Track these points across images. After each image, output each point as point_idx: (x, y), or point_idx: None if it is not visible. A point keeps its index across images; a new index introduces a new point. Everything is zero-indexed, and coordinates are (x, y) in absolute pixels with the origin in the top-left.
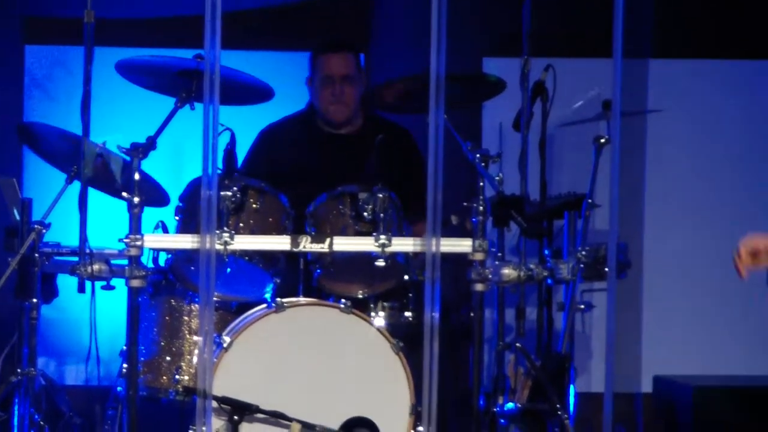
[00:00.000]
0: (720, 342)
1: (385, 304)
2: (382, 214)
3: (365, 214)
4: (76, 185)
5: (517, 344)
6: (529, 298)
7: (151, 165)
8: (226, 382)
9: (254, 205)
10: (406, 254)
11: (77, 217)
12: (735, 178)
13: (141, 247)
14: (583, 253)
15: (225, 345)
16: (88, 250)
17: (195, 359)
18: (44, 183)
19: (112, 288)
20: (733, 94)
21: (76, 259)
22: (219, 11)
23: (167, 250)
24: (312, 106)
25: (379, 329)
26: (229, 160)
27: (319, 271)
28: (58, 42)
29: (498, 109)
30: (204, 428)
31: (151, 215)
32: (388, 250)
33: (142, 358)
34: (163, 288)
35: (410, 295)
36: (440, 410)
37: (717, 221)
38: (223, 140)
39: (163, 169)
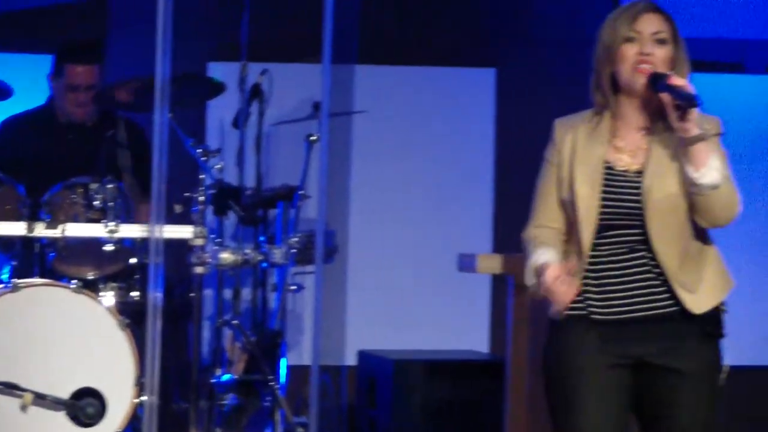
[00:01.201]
0: (417, 320)
1: (114, 284)
2: (111, 203)
3: (96, 203)
4: None
5: (234, 321)
6: (246, 280)
7: None
8: None
9: None
10: (133, 239)
11: None
12: (431, 174)
13: None
14: (295, 239)
15: None
16: None
17: None
18: None
19: None
20: (431, 98)
21: None
22: None
23: None
24: (53, 101)
25: (107, 308)
26: None
27: (53, 254)
28: None
29: (220, 109)
30: None
31: None
32: (116, 235)
33: None
34: None
35: (137, 276)
36: (163, 381)
37: (414, 213)
38: None
39: None
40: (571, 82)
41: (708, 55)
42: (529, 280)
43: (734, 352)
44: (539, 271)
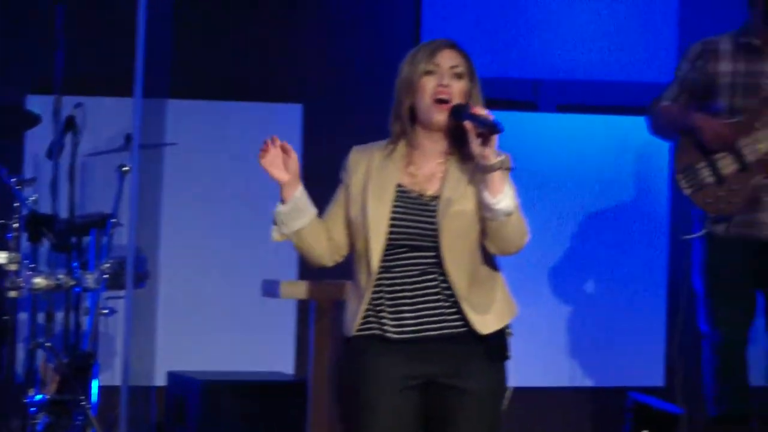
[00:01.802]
0: (225, 343)
1: None
2: None
3: None
4: None
5: (48, 344)
6: (59, 304)
7: None
8: None
9: None
10: None
11: None
12: (240, 204)
13: None
14: (107, 265)
15: None
16: None
17: None
18: None
19: None
20: (240, 131)
21: None
22: None
23: None
24: None
25: None
26: None
27: None
28: None
29: (37, 140)
30: None
31: None
32: None
33: None
34: None
35: None
36: None
37: (224, 241)
38: None
39: None
40: (375, 117)
41: (503, 94)
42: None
43: (524, 374)
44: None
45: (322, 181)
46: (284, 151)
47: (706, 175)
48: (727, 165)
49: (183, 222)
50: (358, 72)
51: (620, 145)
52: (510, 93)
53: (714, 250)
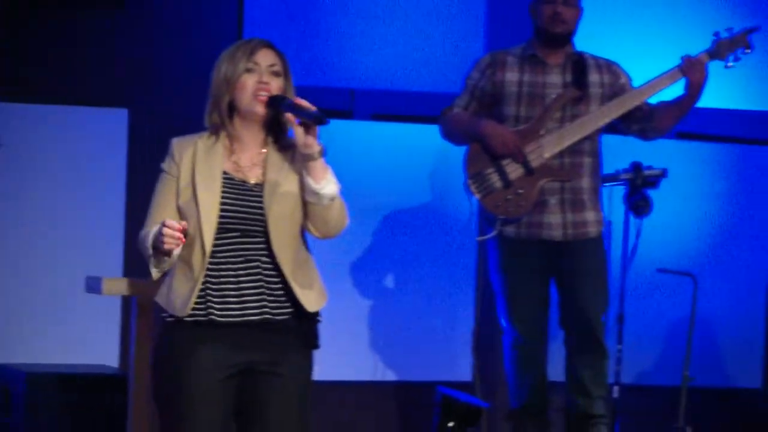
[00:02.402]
0: (51, 336)
1: None
2: None
3: None
4: None
5: None
6: None
7: None
8: None
9: None
10: None
11: None
12: (68, 206)
13: None
14: None
15: None
16: None
17: None
18: None
19: None
20: (66, 135)
21: None
22: None
23: None
24: None
25: None
26: None
27: None
28: None
29: None
30: None
31: None
32: None
33: None
34: None
35: None
36: None
37: (53, 240)
38: None
39: None
40: (202, 121)
41: (320, 102)
42: (147, 251)
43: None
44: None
45: (148, 186)
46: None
47: (495, 180)
48: (514, 170)
49: (9, 220)
50: (182, 76)
51: (431, 151)
52: (327, 102)
53: (505, 250)
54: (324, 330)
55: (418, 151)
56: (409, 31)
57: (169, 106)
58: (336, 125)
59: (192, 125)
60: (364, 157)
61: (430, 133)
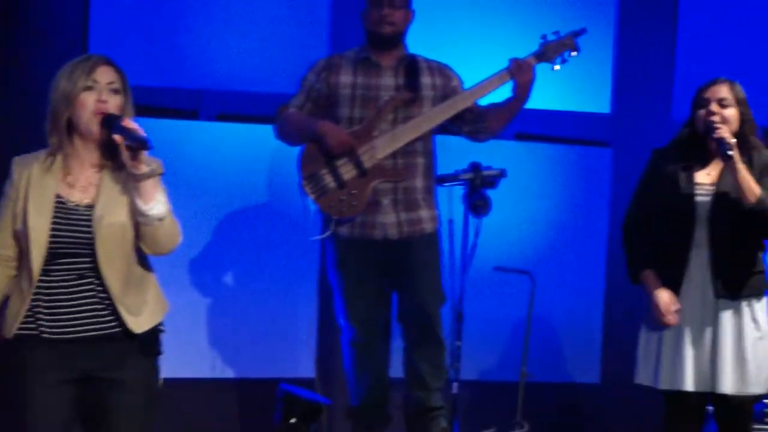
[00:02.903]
0: None
1: None
2: None
3: None
4: None
5: None
6: None
7: None
8: None
9: None
10: None
11: None
12: None
13: None
14: None
15: None
16: None
17: None
18: None
19: None
20: None
21: None
22: None
23: None
24: None
25: None
26: None
27: None
28: None
29: None
30: None
31: None
32: None
33: None
34: None
35: None
36: None
37: None
38: None
39: None
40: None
41: (167, 103)
42: None
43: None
44: None
45: None
46: None
47: (329, 180)
48: (347, 171)
49: None
50: (26, 83)
51: (276, 150)
52: (173, 102)
53: (340, 250)
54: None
55: (263, 150)
56: (255, 33)
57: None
58: (182, 125)
59: (35, 137)
60: (209, 157)
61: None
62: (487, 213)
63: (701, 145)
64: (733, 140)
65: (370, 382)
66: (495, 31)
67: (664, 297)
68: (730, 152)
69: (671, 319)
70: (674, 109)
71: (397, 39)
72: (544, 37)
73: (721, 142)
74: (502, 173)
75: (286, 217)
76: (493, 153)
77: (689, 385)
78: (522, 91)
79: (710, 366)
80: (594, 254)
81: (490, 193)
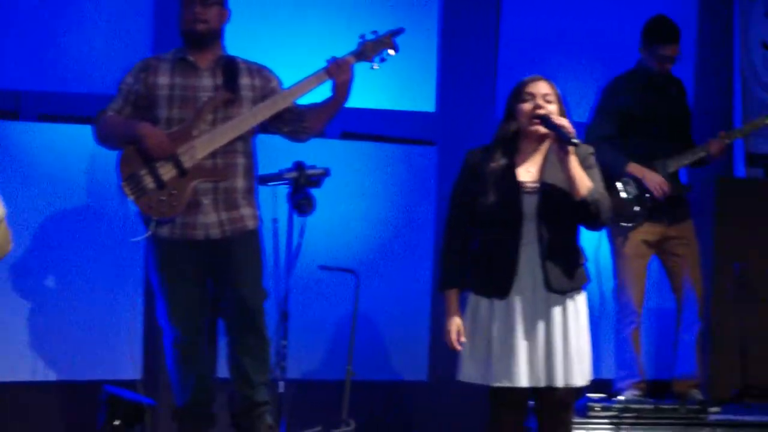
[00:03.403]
0: None
1: None
2: None
3: None
4: None
5: None
6: None
7: None
8: None
9: None
10: None
11: None
12: None
13: None
14: None
15: None
16: None
17: None
18: None
19: None
20: None
21: None
22: None
23: None
24: None
25: None
26: None
27: None
28: None
29: None
30: None
31: None
32: None
33: None
34: None
35: None
36: None
37: None
38: None
39: None
40: None
41: None
42: None
43: None
44: None
45: None
46: None
47: (149, 181)
48: (167, 171)
49: None
50: None
51: (97, 152)
52: None
53: (162, 251)
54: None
55: (84, 151)
56: (77, 33)
57: None
58: (2, 126)
59: None
60: (30, 158)
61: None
62: (312, 212)
63: (520, 142)
64: (573, 129)
65: (195, 383)
66: (315, 30)
67: (453, 326)
68: (575, 140)
69: (457, 346)
70: (498, 107)
71: (211, 37)
72: (362, 36)
73: (562, 131)
74: (326, 172)
75: (108, 218)
76: (319, 152)
77: (523, 380)
78: (341, 90)
79: (545, 360)
80: (421, 252)
81: (315, 192)
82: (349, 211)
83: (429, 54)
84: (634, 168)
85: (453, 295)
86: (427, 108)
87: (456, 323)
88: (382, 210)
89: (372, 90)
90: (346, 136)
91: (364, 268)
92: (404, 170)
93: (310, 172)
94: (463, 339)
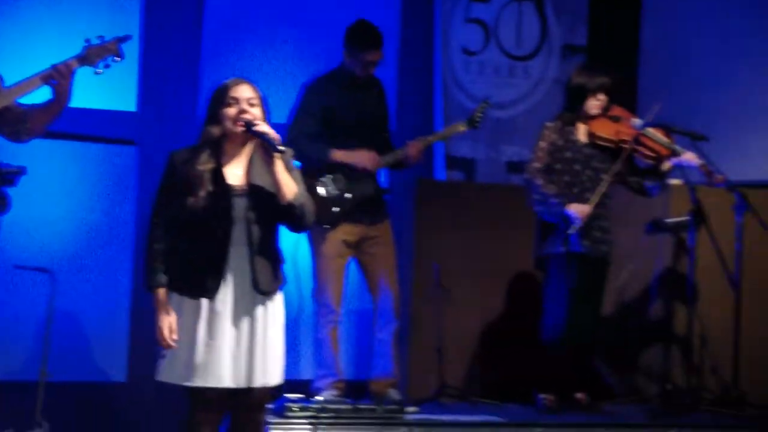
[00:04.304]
0: None
1: None
2: None
3: None
4: None
5: None
6: None
7: None
8: None
9: None
10: None
11: None
12: None
13: None
14: None
15: None
16: None
17: None
18: None
19: None
20: None
21: None
22: None
23: None
24: None
25: None
26: None
27: None
28: None
29: None
30: None
31: None
32: None
33: None
34: None
35: None
36: None
37: None
38: None
39: None
40: None
41: None
42: None
43: None
44: None
45: None
46: None
47: None
48: None
49: None
50: None
51: None
52: None
53: None
54: None
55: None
56: None
57: None
58: None
59: None
60: None
61: None
62: (6, 210)
63: (225, 144)
64: (277, 135)
65: None
66: (40, 31)
67: (166, 324)
68: (281, 147)
69: (170, 344)
70: (200, 108)
71: None
72: (88, 41)
73: (268, 139)
74: (21, 170)
75: None
76: (17, 150)
77: (227, 381)
78: (61, 93)
79: (247, 361)
80: (121, 252)
81: (10, 190)
82: (49, 210)
83: (130, 53)
84: (338, 154)
85: (162, 294)
86: (129, 107)
87: (168, 321)
88: (82, 209)
89: (74, 88)
90: (47, 134)
91: (62, 268)
92: (105, 170)
93: (5, 170)
94: (175, 336)
